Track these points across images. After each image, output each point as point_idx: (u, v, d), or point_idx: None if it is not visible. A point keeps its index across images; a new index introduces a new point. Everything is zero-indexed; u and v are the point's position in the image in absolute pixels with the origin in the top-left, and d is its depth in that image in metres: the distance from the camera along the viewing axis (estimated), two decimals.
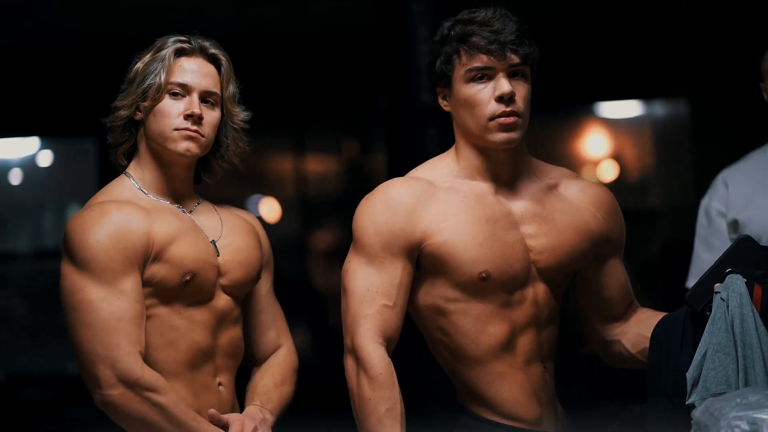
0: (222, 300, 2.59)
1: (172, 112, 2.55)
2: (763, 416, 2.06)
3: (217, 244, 2.60)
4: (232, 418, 2.53)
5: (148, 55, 2.59)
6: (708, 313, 2.36)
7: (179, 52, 2.58)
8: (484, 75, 2.51)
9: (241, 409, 2.63)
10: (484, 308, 2.51)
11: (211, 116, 2.58)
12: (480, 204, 2.55)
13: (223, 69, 2.62)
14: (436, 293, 2.53)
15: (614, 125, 7.14)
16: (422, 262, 2.53)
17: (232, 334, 2.61)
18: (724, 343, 2.31)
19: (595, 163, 7.04)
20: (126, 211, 2.50)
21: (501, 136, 2.51)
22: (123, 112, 2.58)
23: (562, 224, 2.58)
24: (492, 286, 2.50)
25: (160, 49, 2.59)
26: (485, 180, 2.58)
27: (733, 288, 2.34)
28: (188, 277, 2.51)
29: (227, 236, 2.63)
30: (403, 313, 2.51)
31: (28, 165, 7.32)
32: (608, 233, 2.64)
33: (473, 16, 2.53)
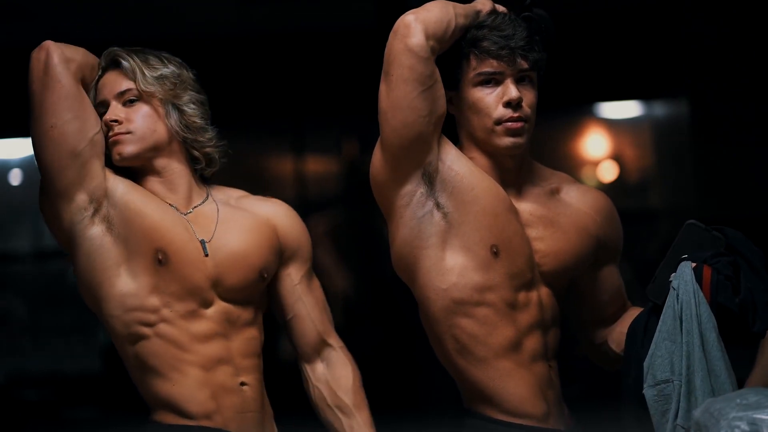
0: (220, 307, 2.54)
1: (102, 126, 2.56)
2: (763, 416, 2.06)
3: (207, 244, 2.55)
4: None
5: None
6: None
7: (99, 78, 2.61)
8: (492, 79, 2.51)
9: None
10: (493, 309, 2.50)
11: (136, 111, 2.57)
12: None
13: (123, 64, 2.59)
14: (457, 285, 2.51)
15: (614, 125, 7.14)
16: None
17: (246, 335, 2.57)
18: (671, 330, 2.35)
19: (595, 164, 7.04)
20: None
21: (507, 141, 2.52)
22: None
23: (566, 228, 2.59)
24: (500, 269, 2.49)
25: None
26: None
27: (682, 276, 2.37)
28: (160, 256, 2.48)
29: (221, 237, 2.57)
30: None
31: (28, 165, 7.31)
32: (605, 238, 2.65)
33: (484, 21, 2.53)
